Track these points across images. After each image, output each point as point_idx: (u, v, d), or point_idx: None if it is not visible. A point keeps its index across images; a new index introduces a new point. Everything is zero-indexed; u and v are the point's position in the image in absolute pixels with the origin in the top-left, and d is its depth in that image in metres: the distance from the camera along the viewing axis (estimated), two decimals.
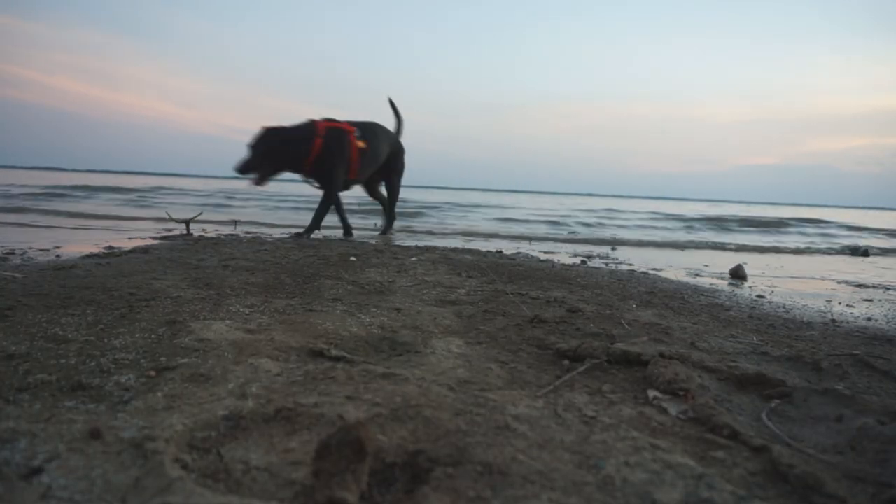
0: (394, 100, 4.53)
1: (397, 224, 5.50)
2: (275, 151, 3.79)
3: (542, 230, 7.23)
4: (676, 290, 2.37)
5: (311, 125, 3.89)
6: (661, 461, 0.73)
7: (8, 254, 2.51)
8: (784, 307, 2.17)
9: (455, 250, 3.55)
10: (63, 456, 0.68)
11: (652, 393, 1.01)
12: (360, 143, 4.00)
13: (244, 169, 3.79)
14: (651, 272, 3.12)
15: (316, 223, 4.00)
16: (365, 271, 2.33)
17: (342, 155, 3.93)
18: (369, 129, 4.17)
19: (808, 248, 5.98)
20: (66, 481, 0.63)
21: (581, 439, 0.80)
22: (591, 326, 1.51)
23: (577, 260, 3.60)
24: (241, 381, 0.96)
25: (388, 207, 4.75)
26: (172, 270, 2.10)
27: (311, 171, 3.95)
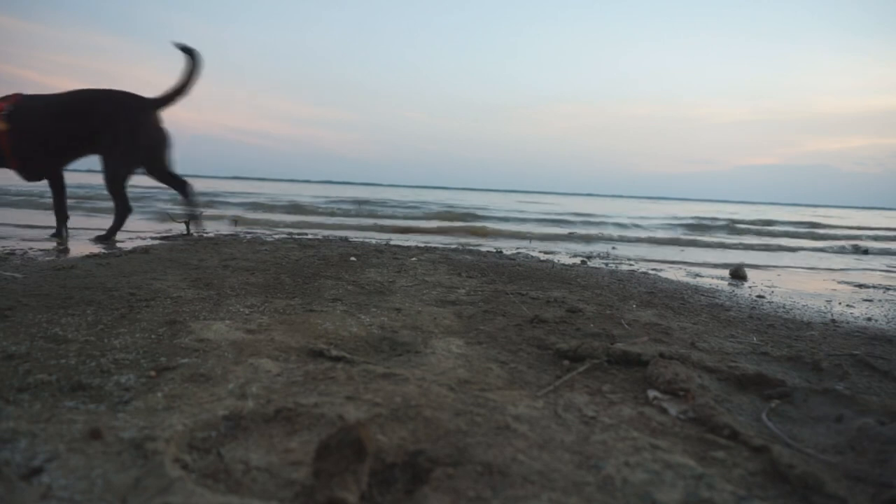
0: (186, 45, 3.25)
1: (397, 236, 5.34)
2: None
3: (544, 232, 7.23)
4: (676, 290, 2.37)
5: None
6: (661, 461, 0.73)
7: (8, 254, 2.51)
8: (784, 307, 2.17)
9: (455, 250, 3.55)
10: (63, 456, 0.68)
11: (652, 393, 1.01)
12: (1, 125, 3.04)
13: None
14: (651, 272, 3.12)
15: (59, 218, 3.32)
16: (365, 271, 2.33)
17: None
18: (41, 103, 3.14)
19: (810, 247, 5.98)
20: (67, 481, 0.63)
21: (581, 439, 0.80)
22: (591, 326, 1.51)
23: (577, 260, 3.60)
24: (241, 381, 0.96)
25: (116, 202, 3.25)
26: (172, 270, 2.10)
27: None
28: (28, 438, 0.72)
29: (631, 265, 3.49)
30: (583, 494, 0.66)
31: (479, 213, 9.63)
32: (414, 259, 2.82)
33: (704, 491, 0.67)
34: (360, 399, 0.89)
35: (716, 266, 3.78)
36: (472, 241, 5.10)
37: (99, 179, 3.29)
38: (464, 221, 7.69)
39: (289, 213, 7.97)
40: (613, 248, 4.88)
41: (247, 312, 1.49)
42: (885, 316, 2.12)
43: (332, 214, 8.15)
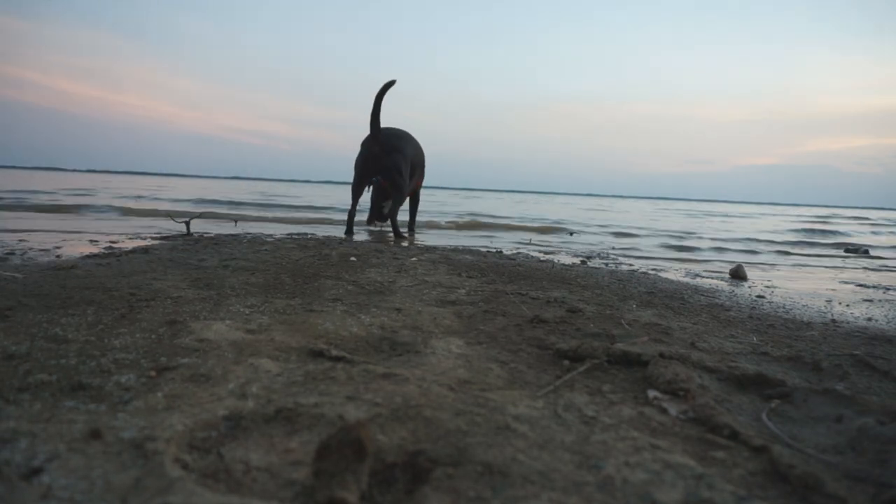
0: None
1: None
2: None
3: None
4: (676, 290, 2.37)
5: None
6: (662, 461, 0.73)
7: (8, 254, 2.51)
8: (784, 307, 2.17)
9: (455, 250, 3.55)
10: (63, 456, 0.68)
11: (652, 393, 1.01)
12: None
13: None
14: (651, 272, 3.12)
15: None
16: (365, 271, 2.33)
17: None
18: None
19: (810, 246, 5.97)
20: (67, 481, 0.63)
21: (581, 439, 0.80)
22: (591, 326, 1.51)
23: (577, 260, 3.60)
24: (242, 381, 0.96)
25: None
26: (172, 270, 2.10)
27: None
28: (28, 438, 0.72)
29: (631, 265, 3.49)
30: (583, 494, 0.65)
31: None
32: (414, 259, 2.82)
33: (704, 491, 0.67)
34: (360, 399, 0.89)
35: (717, 260, 3.78)
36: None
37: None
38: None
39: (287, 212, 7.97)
40: (613, 247, 4.88)
41: (247, 312, 1.48)
42: (885, 316, 2.12)
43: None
